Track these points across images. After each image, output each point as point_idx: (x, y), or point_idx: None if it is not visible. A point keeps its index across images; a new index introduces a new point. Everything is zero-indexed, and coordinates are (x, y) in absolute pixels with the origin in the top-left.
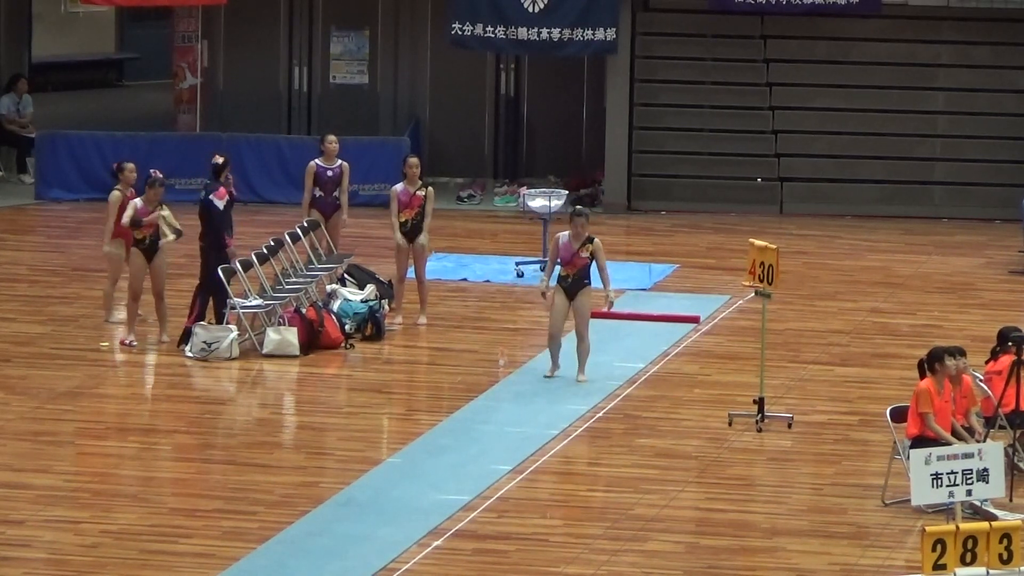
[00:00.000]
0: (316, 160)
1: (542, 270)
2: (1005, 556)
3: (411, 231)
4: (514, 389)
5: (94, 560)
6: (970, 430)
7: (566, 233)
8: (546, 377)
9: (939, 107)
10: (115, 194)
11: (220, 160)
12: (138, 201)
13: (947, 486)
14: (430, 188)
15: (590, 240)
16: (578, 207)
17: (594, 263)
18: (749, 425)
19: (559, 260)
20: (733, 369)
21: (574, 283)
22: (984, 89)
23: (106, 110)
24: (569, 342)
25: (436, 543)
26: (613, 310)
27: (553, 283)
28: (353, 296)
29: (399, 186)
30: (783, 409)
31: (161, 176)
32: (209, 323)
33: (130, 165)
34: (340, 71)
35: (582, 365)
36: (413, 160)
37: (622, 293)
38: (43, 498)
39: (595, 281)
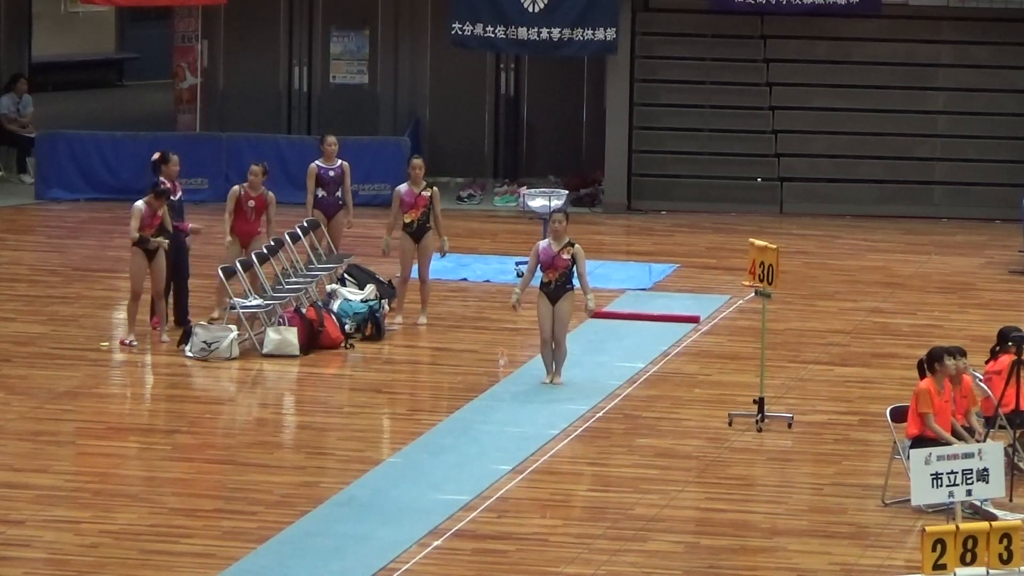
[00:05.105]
0: (316, 162)
1: (519, 276)
2: (1005, 556)
3: (417, 231)
4: (514, 389)
5: (94, 560)
6: (970, 430)
7: (545, 240)
8: (544, 384)
9: (939, 107)
10: (235, 189)
11: (156, 156)
12: (141, 204)
13: (947, 486)
14: (435, 188)
15: (571, 243)
16: (556, 205)
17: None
18: (749, 425)
19: (540, 265)
20: (733, 369)
21: (557, 288)
22: (984, 89)
23: (106, 110)
24: None
25: (436, 543)
26: (613, 310)
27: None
28: (353, 296)
29: (403, 186)
30: (783, 409)
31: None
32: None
33: (256, 168)
34: (340, 71)
35: (558, 368)
36: (417, 161)
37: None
38: (43, 498)
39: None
